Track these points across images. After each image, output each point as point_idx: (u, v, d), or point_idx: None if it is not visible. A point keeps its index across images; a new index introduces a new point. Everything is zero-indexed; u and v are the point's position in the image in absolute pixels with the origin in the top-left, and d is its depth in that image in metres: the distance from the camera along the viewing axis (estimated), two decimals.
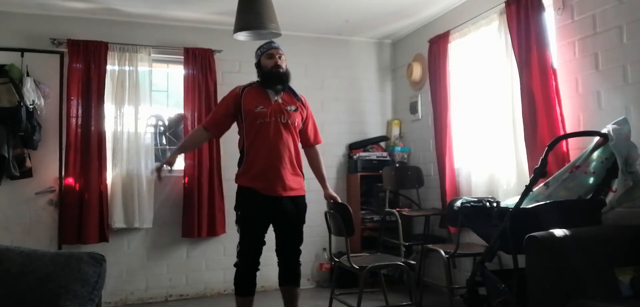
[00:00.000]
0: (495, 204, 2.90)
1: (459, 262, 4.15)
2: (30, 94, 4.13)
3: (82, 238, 4.27)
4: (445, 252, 3.64)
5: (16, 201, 4.28)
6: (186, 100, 4.68)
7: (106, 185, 4.42)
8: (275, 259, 3.20)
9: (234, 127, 3.26)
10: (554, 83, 3.35)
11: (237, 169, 3.20)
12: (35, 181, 4.31)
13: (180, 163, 4.77)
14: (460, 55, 4.45)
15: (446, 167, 4.38)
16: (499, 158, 3.85)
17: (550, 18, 3.48)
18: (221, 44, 4.79)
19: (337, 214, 3.23)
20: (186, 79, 4.70)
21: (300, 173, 3.19)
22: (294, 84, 3.26)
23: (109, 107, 4.49)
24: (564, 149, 3.28)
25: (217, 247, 4.81)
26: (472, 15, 4.20)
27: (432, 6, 4.56)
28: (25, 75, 4.20)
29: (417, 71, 4.98)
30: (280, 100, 3.13)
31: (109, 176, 4.46)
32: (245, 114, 3.08)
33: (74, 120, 4.35)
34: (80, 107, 4.37)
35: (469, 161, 4.27)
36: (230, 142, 4.65)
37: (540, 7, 3.45)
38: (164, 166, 3.20)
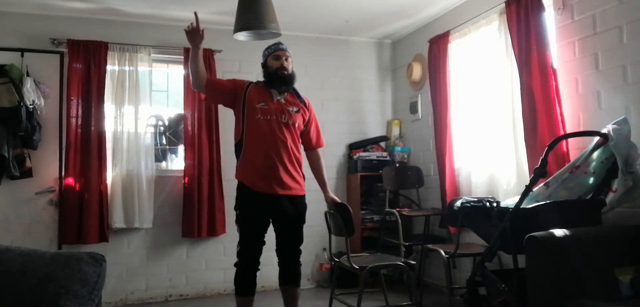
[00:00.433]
0: (495, 204, 2.90)
1: (459, 262, 4.15)
2: (30, 94, 4.13)
3: (82, 238, 4.27)
4: (445, 252, 3.64)
5: (16, 201, 4.28)
6: (186, 100, 4.68)
7: (106, 185, 4.42)
8: (275, 259, 3.20)
9: (232, 120, 3.24)
10: (554, 83, 3.35)
11: (236, 166, 3.20)
12: (35, 181, 4.31)
13: (180, 163, 4.78)
14: (460, 55, 4.45)
15: (446, 167, 4.38)
16: (499, 158, 3.85)
17: (550, 18, 3.48)
18: (221, 44, 4.79)
19: (337, 214, 3.23)
20: (186, 79, 4.70)
21: (300, 173, 3.19)
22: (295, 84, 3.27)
23: (109, 107, 4.49)
24: (564, 149, 3.28)
25: (217, 247, 4.81)
26: (472, 15, 4.20)
27: (432, 6, 4.56)
28: (25, 75, 4.20)
29: (417, 71, 4.98)
30: (282, 101, 3.14)
31: (109, 176, 4.46)
32: (247, 107, 3.08)
33: (74, 120, 4.35)
34: (80, 107, 4.37)
35: (469, 161, 4.27)
36: (230, 142, 4.63)
37: (540, 7, 3.45)
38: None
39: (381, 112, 5.51)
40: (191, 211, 4.58)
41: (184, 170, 4.65)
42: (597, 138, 2.79)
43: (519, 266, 2.67)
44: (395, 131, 5.38)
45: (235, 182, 3.20)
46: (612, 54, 3.07)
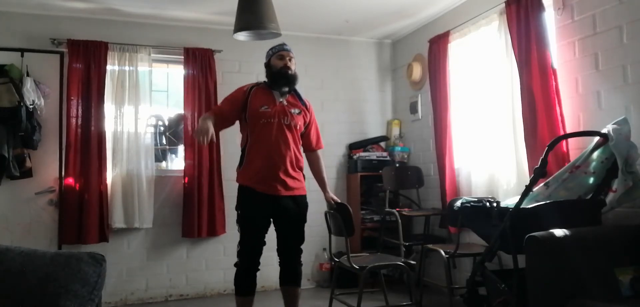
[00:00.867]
0: (495, 204, 2.90)
1: (459, 262, 4.15)
2: (30, 94, 4.13)
3: (82, 238, 4.27)
4: (445, 252, 3.64)
5: (16, 201, 4.28)
6: (186, 100, 4.68)
7: (106, 185, 4.42)
8: (275, 259, 3.20)
9: (236, 125, 3.25)
10: (554, 83, 3.35)
11: (237, 168, 3.21)
12: (35, 181, 4.31)
13: (180, 163, 4.78)
14: (460, 55, 4.45)
15: (446, 167, 4.38)
16: (499, 158, 3.85)
17: (550, 18, 3.48)
18: (221, 44, 4.80)
19: (337, 214, 3.23)
20: (186, 79, 4.70)
21: (301, 173, 3.20)
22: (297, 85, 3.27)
23: (109, 107, 4.49)
24: (564, 149, 3.28)
25: (217, 247, 4.81)
26: (472, 15, 4.20)
27: (432, 6, 4.56)
28: (25, 75, 4.20)
29: (417, 71, 4.98)
30: (284, 102, 3.15)
31: (109, 176, 4.46)
32: (250, 114, 3.09)
33: (74, 120, 4.34)
34: (80, 107, 4.37)
35: (469, 161, 4.27)
36: (230, 142, 4.68)
37: (540, 7, 3.45)
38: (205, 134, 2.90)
39: (381, 112, 5.51)
40: (191, 211, 4.58)
41: (184, 170, 4.65)
42: (597, 138, 2.79)
43: (519, 266, 2.67)
44: (395, 131, 5.38)
45: (235, 182, 3.20)
46: (612, 54, 3.07)
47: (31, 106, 4.15)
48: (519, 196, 2.72)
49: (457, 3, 4.44)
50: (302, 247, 3.22)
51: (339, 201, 3.33)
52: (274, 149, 3.05)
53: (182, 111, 4.72)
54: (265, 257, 3.14)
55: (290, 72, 3.14)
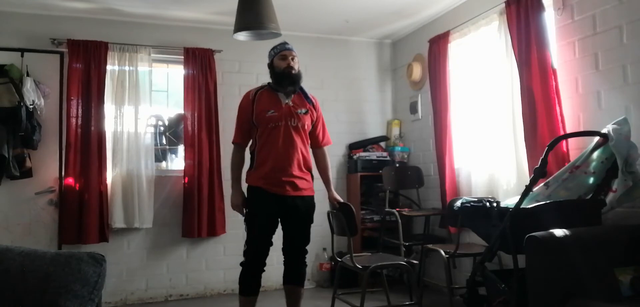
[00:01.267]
0: (495, 204, 2.90)
1: (459, 262, 4.16)
2: (30, 94, 4.13)
3: (82, 238, 4.27)
4: (445, 252, 3.64)
5: (16, 201, 4.28)
6: (186, 100, 4.68)
7: (106, 185, 4.42)
8: (275, 259, 3.20)
9: (232, 119, 3.25)
10: (554, 83, 3.35)
11: (247, 170, 3.21)
12: (35, 181, 4.31)
13: (180, 163, 4.78)
14: (460, 55, 4.45)
15: (446, 167, 4.38)
16: (499, 158, 3.85)
17: (550, 18, 3.48)
18: (221, 44, 4.79)
19: (340, 214, 3.23)
20: (186, 79, 4.70)
21: (309, 174, 3.21)
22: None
23: (109, 107, 4.49)
24: (564, 149, 3.28)
25: (217, 247, 4.81)
26: (472, 15, 4.20)
27: (432, 6, 4.56)
28: (25, 75, 4.20)
29: (417, 71, 4.98)
30: (290, 103, 3.14)
31: (109, 176, 4.46)
32: (258, 119, 3.09)
33: (74, 120, 4.34)
34: (80, 107, 4.37)
35: (469, 161, 4.27)
36: (230, 142, 4.66)
37: (540, 7, 3.45)
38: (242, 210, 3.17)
39: (381, 112, 5.51)
40: (191, 211, 4.58)
41: (184, 170, 4.65)
42: (597, 138, 2.79)
43: (519, 266, 2.67)
44: (395, 131, 5.38)
45: (245, 182, 3.19)
46: (612, 54, 3.07)
47: (31, 106, 4.15)
48: (519, 196, 2.72)
49: (457, 3, 4.44)
50: (307, 248, 3.22)
51: (342, 201, 3.32)
52: (282, 152, 3.05)
53: (182, 111, 4.72)
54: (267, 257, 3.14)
55: (293, 72, 3.13)
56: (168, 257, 4.69)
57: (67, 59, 4.39)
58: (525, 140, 3.56)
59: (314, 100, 3.26)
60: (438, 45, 4.55)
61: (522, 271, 2.57)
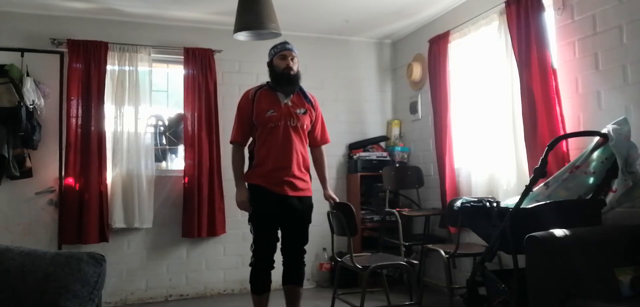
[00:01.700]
0: (495, 204, 2.90)
1: (459, 262, 4.15)
2: (30, 94, 4.13)
3: (82, 238, 4.27)
4: (445, 252, 3.64)
5: (16, 201, 4.28)
6: (186, 100, 4.68)
7: (106, 185, 4.42)
8: (276, 258, 3.20)
9: (231, 119, 3.26)
10: (554, 83, 3.35)
11: (246, 173, 3.22)
12: (35, 181, 4.31)
13: (180, 163, 4.78)
14: (460, 55, 4.45)
15: (446, 167, 4.38)
16: (499, 158, 3.85)
17: (550, 18, 3.48)
18: (221, 44, 4.79)
19: (340, 214, 3.23)
20: (186, 79, 4.70)
21: (308, 174, 3.22)
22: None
23: (109, 107, 4.49)
24: (564, 149, 3.28)
25: (217, 247, 4.81)
26: (472, 15, 4.20)
27: (432, 6, 4.56)
28: (25, 75, 4.20)
29: (417, 71, 4.98)
30: (289, 103, 3.15)
31: (109, 176, 4.46)
32: (257, 118, 3.11)
33: (74, 120, 4.34)
34: (80, 107, 4.37)
35: (469, 161, 4.27)
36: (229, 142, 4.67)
37: (540, 7, 3.45)
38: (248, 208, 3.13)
39: (381, 112, 5.51)
40: (191, 211, 4.58)
41: (184, 170, 4.65)
42: (597, 138, 2.79)
43: (519, 266, 2.67)
44: (395, 131, 5.38)
45: (245, 181, 3.20)
46: (612, 54, 3.07)
47: (31, 106, 4.15)
48: (519, 196, 2.72)
49: (457, 3, 4.44)
50: (306, 247, 3.23)
51: (338, 200, 3.33)
52: (281, 152, 3.07)
53: (182, 111, 4.72)
54: None
55: (292, 73, 3.14)
56: (168, 257, 4.69)
57: (67, 59, 4.39)
58: (525, 140, 3.56)
59: (313, 100, 3.27)
60: (438, 45, 4.55)
61: (522, 271, 2.57)
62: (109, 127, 4.48)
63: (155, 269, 4.64)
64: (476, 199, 3.14)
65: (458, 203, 3.26)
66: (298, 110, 3.15)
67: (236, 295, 4.73)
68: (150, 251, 4.64)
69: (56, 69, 4.39)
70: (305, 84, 3.30)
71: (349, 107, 5.38)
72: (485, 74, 4.07)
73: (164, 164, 4.87)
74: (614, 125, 2.72)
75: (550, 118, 3.35)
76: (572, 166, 2.86)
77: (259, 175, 3.11)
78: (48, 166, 4.37)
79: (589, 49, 3.21)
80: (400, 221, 4.27)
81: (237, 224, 4.70)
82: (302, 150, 3.15)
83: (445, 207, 4.27)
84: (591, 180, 2.82)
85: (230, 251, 4.78)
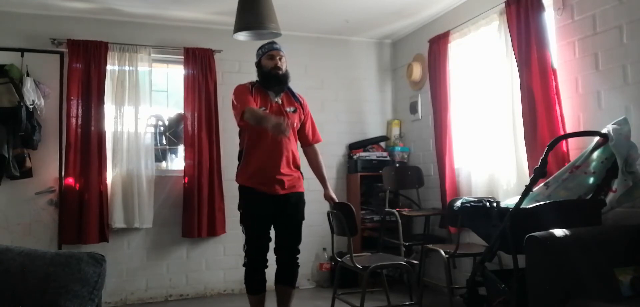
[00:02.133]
0: (495, 204, 2.90)
1: (459, 262, 4.15)
2: (30, 94, 4.13)
3: (82, 238, 4.27)
4: (445, 252, 3.64)
5: (16, 201, 4.28)
6: (186, 100, 4.68)
7: (106, 185, 4.42)
8: (271, 259, 3.20)
9: (236, 125, 3.26)
10: (554, 83, 3.35)
11: (237, 171, 3.23)
12: (35, 181, 4.31)
13: (180, 163, 4.78)
14: (460, 55, 4.45)
15: (446, 167, 4.38)
16: (499, 158, 3.85)
17: (550, 18, 3.48)
18: (221, 44, 4.79)
19: (340, 214, 3.23)
20: (186, 79, 4.70)
21: (299, 171, 3.23)
22: (294, 84, 3.30)
23: (109, 107, 4.49)
24: (564, 149, 3.28)
25: (217, 247, 4.81)
26: (472, 15, 4.20)
27: (432, 6, 4.56)
28: (25, 75, 4.20)
29: (417, 71, 4.98)
30: (280, 102, 3.18)
31: (109, 176, 4.46)
32: None
33: (74, 120, 4.34)
34: (80, 107, 4.37)
35: (469, 161, 4.27)
36: (230, 142, 4.67)
37: (540, 7, 3.45)
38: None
39: (381, 112, 5.51)
40: (191, 211, 4.58)
41: (184, 170, 4.65)
42: (597, 138, 2.79)
43: (519, 266, 2.67)
44: (395, 131, 5.38)
45: (235, 182, 3.21)
46: (612, 54, 3.07)
47: (31, 106, 4.15)
48: (519, 196, 2.72)
49: (457, 3, 4.44)
50: (301, 247, 3.23)
51: (337, 200, 3.33)
52: (271, 150, 3.08)
53: (182, 111, 4.72)
54: None
55: (281, 72, 3.16)
56: (168, 257, 4.69)
57: (67, 59, 4.39)
58: (525, 140, 3.56)
59: (301, 100, 3.30)
60: (438, 45, 4.55)
61: (522, 271, 2.57)
62: (109, 127, 4.48)
63: (155, 269, 4.64)
64: (476, 199, 3.14)
65: (458, 203, 3.26)
66: (288, 109, 3.18)
67: (236, 295, 4.73)
68: (150, 251, 4.64)
69: (56, 69, 4.40)
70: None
71: (349, 107, 5.38)
72: (485, 74, 4.07)
73: (164, 164, 4.87)
74: (614, 125, 2.72)
75: (550, 118, 3.35)
76: (572, 166, 2.86)
77: (249, 175, 3.12)
78: (48, 166, 4.37)
79: (589, 49, 3.21)
80: (400, 221, 4.27)
81: (237, 224, 4.65)
82: (292, 148, 3.17)
83: (445, 207, 4.27)
84: (591, 180, 2.82)
85: (230, 251, 4.78)
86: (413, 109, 5.15)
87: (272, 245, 3.21)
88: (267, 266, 3.14)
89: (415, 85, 5.11)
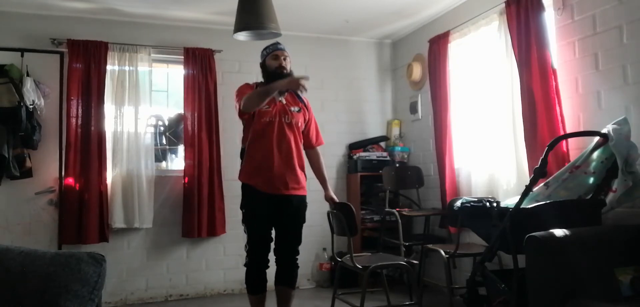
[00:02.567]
0: (495, 204, 2.90)
1: (459, 262, 4.15)
2: (30, 94, 4.13)
3: (82, 238, 4.27)
4: (445, 252, 3.64)
5: (16, 201, 4.28)
6: (186, 100, 4.68)
7: (106, 185, 4.42)
8: (272, 260, 3.20)
9: (236, 125, 3.26)
10: (554, 83, 3.35)
11: (237, 168, 3.24)
12: (35, 181, 4.31)
13: (180, 163, 4.78)
14: (460, 55, 4.45)
15: (446, 167, 4.38)
16: (499, 158, 3.85)
17: (550, 18, 3.48)
18: (221, 44, 4.79)
19: (340, 214, 3.23)
20: (186, 79, 4.70)
21: (303, 173, 3.22)
22: None
23: (109, 107, 4.49)
24: (564, 149, 3.28)
25: (217, 247, 4.81)
26: (472, 15, 4.20)
27: (432, 6, 4.56)
28: (25, 75, 4.20)
29: (417, 71, 4.98)
30: (284, 101, 3.17)
31: (109, 176, 4.46)
32: (255, 112, 3.09)
33: (74, 120, 4.34)
34: (80, 107, 4.37)
35: (469, 161, 4.27)
36: (230, 142, 4.68)
37: (540, 7, 3.45)
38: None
39: (381, 112, 5.51)
40: (191, 211, 4.58)
41: (184, 170, 4.65)
42: (597, 138, 2.79)
43: (519, 266, 2.67)
44: (395, 131, 5.38)
45: (235, 182, 3.21)
46: (612, 54, 3.07)
47: (31, 106, 4.15)
48: (519, 196, 2.72)
49: (457, 3, 4.44)
50: (301, 247, 3.23)
51: (338, 201, 3.34)
52: (275, 148, 3.08)
53: (182, 111, 4.72)
54: None
55: (285, 72, 3.16)
56: (168, 257, 4.69)
57: (67, 59, 4.39)
58: (525, 140, 3.56)
59: (305, 101, 3.30)
60: (438, 45, 4.55)
61: (522, 271, 2.57)
62: (109, 127, 4.48)
63: (155, 269, 4.64)
64: (476, 199, 3.14)
65: (458, 203, 3.26)
66: (292, 108, 3.18)
67: (236, 295, 4.73)
68: (150, 251, 4.64)
69: (56, 69, 4.40)
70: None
71: (349, 107, 5.38)
72: (485, 74, 4.07)
73: (164, 164, 4.87)
74: (614, 126, 2.72)
75: (550, 118, 3.35)
76: (572, 166, 2.86)
77: (252, 173, 3.11)
78: (48, 166, 4.37)
79: (589, 49, 3.21)
80: (400, 221, 4.27)
81: (237, 224, 4.65)
82: (296, 147, 3.16)
83: (445, 207, 4.27)
84: (591, 180, 2.82)
85: (230, 251, 4.78)
86: (413, 109, 5.15)
87: (272, 245, 3.21)
88: (268, 266, 3.14)
89: (415, 85, 5.11)
